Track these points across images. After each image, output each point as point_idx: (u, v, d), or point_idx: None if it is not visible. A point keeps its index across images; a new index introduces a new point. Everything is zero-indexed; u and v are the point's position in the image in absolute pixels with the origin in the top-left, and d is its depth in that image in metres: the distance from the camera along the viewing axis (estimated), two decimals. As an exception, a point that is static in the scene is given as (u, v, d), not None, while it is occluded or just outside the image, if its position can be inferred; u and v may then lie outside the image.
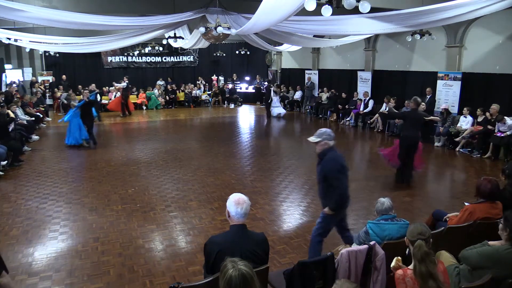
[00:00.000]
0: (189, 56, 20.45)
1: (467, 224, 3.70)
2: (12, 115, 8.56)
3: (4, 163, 7.87)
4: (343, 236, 4.37)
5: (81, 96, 11.09)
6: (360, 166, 9.08)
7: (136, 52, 18.57)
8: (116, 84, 16.91)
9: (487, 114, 9.40)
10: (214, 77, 20.64)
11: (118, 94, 16.44)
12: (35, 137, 11.03)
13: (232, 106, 19.32)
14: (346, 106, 14.25)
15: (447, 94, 11.09)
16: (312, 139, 3.97)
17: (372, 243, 3.23)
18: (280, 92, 17.25)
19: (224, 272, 2.08)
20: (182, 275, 4.15)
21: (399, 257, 2.84)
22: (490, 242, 3.05)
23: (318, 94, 16.51)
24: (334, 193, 3.96)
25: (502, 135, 8.84)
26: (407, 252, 2.90)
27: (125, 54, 18.85)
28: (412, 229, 2.80)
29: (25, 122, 11.11)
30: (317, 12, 5.39)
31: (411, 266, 2.67)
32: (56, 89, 16.54)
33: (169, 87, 18.80)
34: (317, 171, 4.20)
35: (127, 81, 16.20)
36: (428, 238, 2.71)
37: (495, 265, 2.84)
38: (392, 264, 2.79)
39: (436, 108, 11.13)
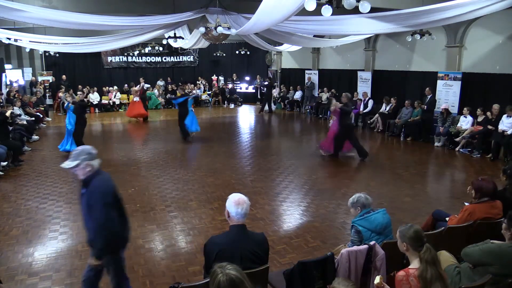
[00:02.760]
0: (189, 56, 20.44)
1: (467, 224, 3.70)
2: (7, 114, 8.54)
3: (4, 163, 7.87)
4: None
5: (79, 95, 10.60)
6: (360, 166, 9.07)
7: (136, 52, 18.57)
8: (135, 88, 15.50)
9: (488, 113, 9.38)
10: (214, 77, 20.65)
11: (137, 98, 14.65)
12: (35, 137, 11.03)
13: (232, 106, 19.33)
14: (346, 106, 14.24)
15: (447, 94, 11.09)
16: (67, 164, 3.03)
17: (372, 243, 3.23)
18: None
19: (214, 278, 2.06)
20: (182, 275, 4.15)
21: (381, 276, 2.83)
22: (493, 241, 3.05)
23: (318, 94, 16.51)
24: (99, 232, 3.00)
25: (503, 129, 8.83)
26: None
27: (125, 54, 18.84)
28: (405, 230, 2.78)
29: (25, 122, 11.11)
30: (317, 12, 5.39)
31: (411, 266, 2.67)
32: (60, 90, 16.52)
33: (169, 87, 18.81)
34: (81, 204, 3.14)
35: (143, 82, 16.18)
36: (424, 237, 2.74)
37: (497, 262, 2.84)
38: (377, 281, 2.78)
39: (436, 108, 11.13)
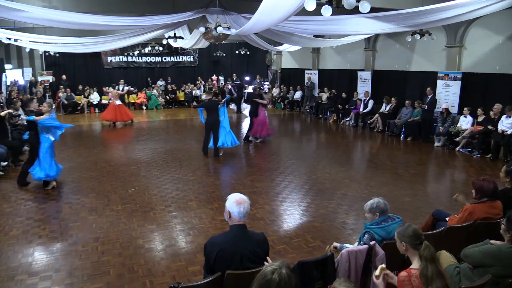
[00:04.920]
0: (189, 56, 20.46)
1: (467, 224, 3.70)
2: (2, 114, 8.54)
3: (4, 163, 7.87)
4: None
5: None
6: (360, 166, 9.08)
7: (136, 52, 18.59)
8: (116, 91, 14.37)
9: (491, 113, 9.36)
10: (214, 77, 20.66)
11: (119, 102, 13.67)
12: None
13: (232, 106, 19.31)
14: (346, 106, 14.26)
15: (447, 94, 11.09)
16: None
17: (372, 243, 3.23)
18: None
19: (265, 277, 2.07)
20: (182, 275, 4.15)
21: (383, 266, 2.83)
22: (492, 241, 3.05)
23: (318, 94, 16.52)
24: None
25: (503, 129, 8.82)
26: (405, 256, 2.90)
27: (125, 54, 18.86)
28: (403, 230, 2.78)
29: (25, 122, 11.09)
30: (317, 12, 5.39)
31: (413, 266, 2.67)
32: (59, 90, 16.51)
33: (169, 87, 18.83)
34: None
35: (123, 85, 15.80)
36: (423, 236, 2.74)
37: (497, 263, 2.85)
38: (377, 272, 2.78)
39: (436, 108, 11.13)
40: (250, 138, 10.91)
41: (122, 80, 16.55)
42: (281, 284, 1.99)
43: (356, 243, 3.66)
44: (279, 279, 1.99)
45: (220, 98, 9.70)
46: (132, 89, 17.54)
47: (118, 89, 15.19)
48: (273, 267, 2.05)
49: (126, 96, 16.44)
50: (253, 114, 10.74)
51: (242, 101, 17.87)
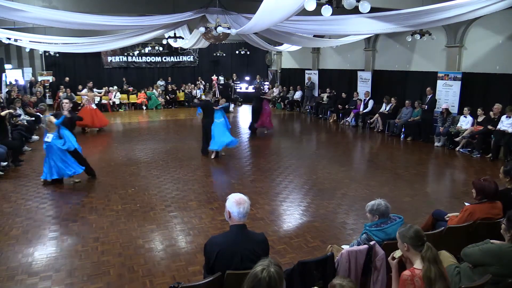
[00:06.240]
0: (189, 56, 20.47)
1: (467, 224, 3.70)
2: (2, 114, 8.56)
3: (4, 163, 7.87)
4: None
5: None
6: (360, 166, 9.08)
7: (136, 52, 18.60)
8: (95, 93, 13.80)
9: (490, 113, 9.37)
10: (214, 77, 20.67)
11: (94, 105, 12.85)
12: (35, 137, 11.03)
13: (232, 106, 19.32)
14: (346, 106, 14.26)
15: (447, 94, 11.09)
16: None
17: (372, 243, 3.23)
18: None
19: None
20: (182, 275, 4.15)
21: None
22: (493, 241, 3.05)
23: (319, 94, 16.52)
24: None
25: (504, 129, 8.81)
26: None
27: (125, 54, 18.88)
28: (405, 231, 2.78)
29: (25, 122, 11.11)
30: (317, 12, 5.39)
31: (416, 266, 2.67)
32: (59, 90, 16.48)
33: (169, 87, 18.83)
34: None
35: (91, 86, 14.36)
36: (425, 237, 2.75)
37: (497, 262, 2.85)
38: (396, 254, 2.80)
39: (436, 108, 11.13)
40: (256, 129, 12.23)
41: (90, 83, 15.44)
42: (271, 283, 2.07)
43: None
44: (269, 278, 2.08)
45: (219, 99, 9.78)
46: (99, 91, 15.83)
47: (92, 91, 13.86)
48: (262, 267, 2.12)
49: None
50: (259, 109, 12.11)
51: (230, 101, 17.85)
